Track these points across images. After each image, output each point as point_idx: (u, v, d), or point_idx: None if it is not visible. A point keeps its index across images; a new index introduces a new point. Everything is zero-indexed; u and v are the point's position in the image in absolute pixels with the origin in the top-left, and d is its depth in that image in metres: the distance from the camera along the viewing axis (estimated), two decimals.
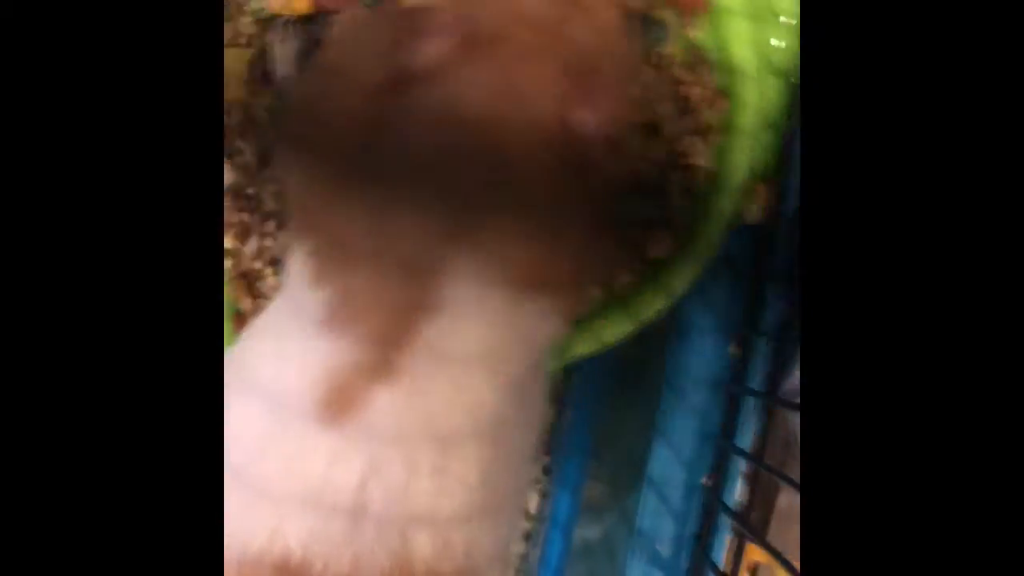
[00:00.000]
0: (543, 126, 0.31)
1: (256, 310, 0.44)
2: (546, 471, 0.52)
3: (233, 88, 0.44)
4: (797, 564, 0.34)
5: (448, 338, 0.30)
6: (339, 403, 0.30)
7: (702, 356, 0.50)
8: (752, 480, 0.49)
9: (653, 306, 0.44)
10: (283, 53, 0.44)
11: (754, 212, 0.48)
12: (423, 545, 0.30)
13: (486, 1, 0.33)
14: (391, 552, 0.30)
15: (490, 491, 0.32)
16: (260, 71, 0.44)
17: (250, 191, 0.44)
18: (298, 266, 0.33)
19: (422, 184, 0.31)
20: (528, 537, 0.52)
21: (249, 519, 0.30)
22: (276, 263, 0.44)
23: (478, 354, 0.31)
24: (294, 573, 0.29)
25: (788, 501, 0.50)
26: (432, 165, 0.31)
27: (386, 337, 0.30)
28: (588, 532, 0.52)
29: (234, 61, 0.44)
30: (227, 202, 0.45)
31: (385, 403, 0.30)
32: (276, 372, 0.32)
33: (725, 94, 0.45)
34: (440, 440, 0.30)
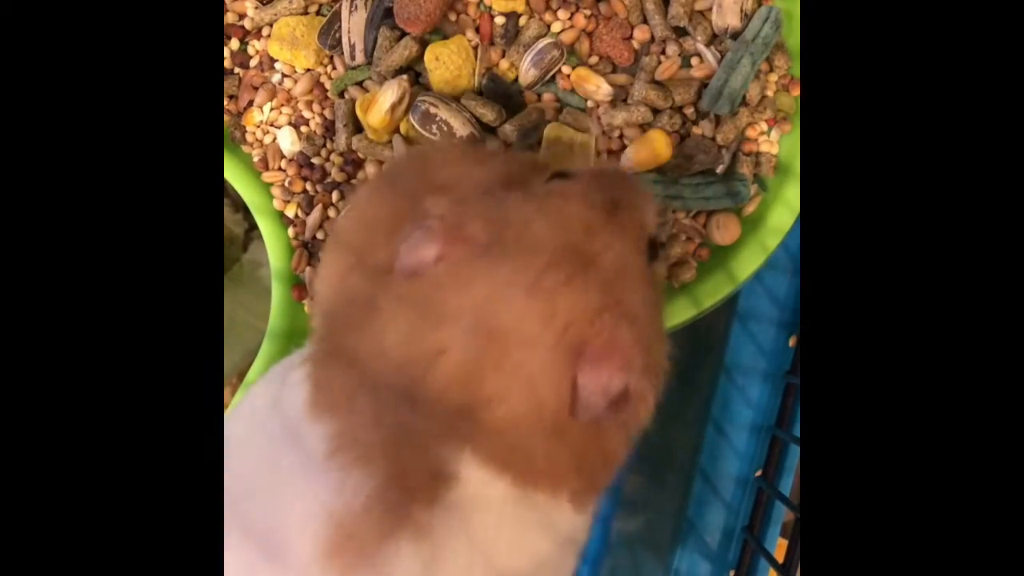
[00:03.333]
0: (539, 370, 0.29)
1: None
2: None
3: (303, 57, 0.44)
4: None
5: (465, 511, 0.28)
6: (347, 553, 0.26)
7: (761, 347, 0.49)
8: None
9: (717, 294, 0.43)
10: (353, 23, 0.43)
11: None
12: None
13: (489, 218, 0.30)
14: None
15: None
16: (330, 40, 0.43)
17: (315, 161, 0.44)
18: (300, 394, 0.30)
19: (415, 380, 0.29)
20: None
21: None
22: None
23: (491, 538, 0.29)
24: None
25: None
26: (419, 366, 0.29)
27: (404, 486, 0.27)
28: (630, 525, 0.52)
29: (306, 29, 0.44)
30: (291, 171, 0.44)
31: (408, 557, 0.27)
32: (271, 507, 0.28)
33: (798, 81, 0.45)
34: None
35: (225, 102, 0.45)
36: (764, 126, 0.44)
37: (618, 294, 0.30)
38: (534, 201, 0.31)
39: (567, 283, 0.29)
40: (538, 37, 0.43)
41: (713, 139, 0.43)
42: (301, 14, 0.44)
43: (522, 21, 0.43)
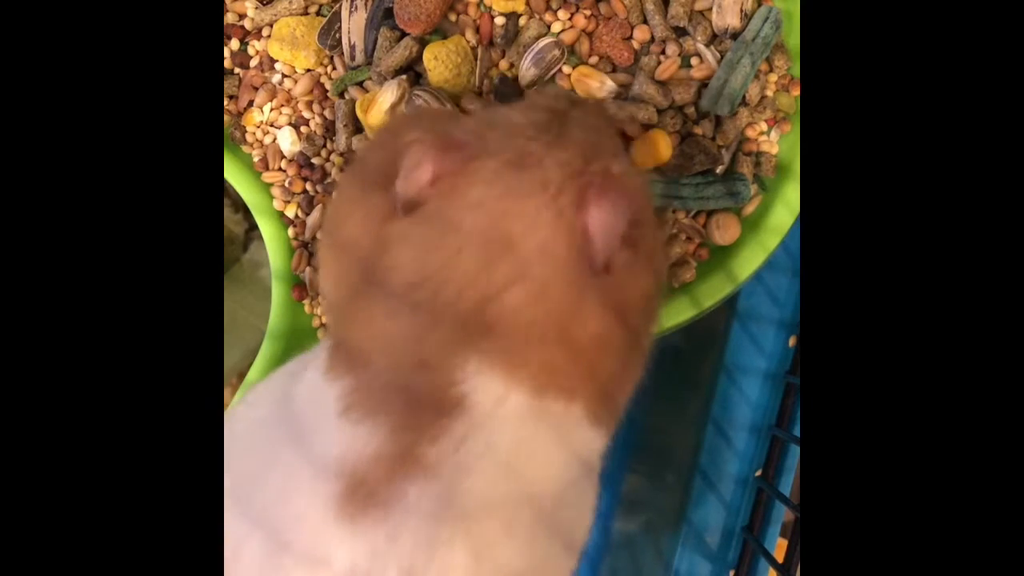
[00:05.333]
0: (548, 235, 0.29)
1: (316, 281, 0.44)
2: None
3: (303, 57, 0.44)
4: None
5: (475, 438, 0.28)
6: (361, 497, 0.27)
7: (761, 347, 0.49)
8: None
9: (717, 294, 0.43)
10: (353, 23, 0.43)
11: None
12: None
13: (463, 123, 0.32)
14: None
15: None
16: (330, 40, 0.43)
17: (315, 161, 0.44)
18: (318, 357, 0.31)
19: (430, 293, 0.29)
20: None
21: None
22: None
23: (507, 458, 0.28)
24: None
25: None
26: (435, 277, 0.29)
27: (411, 428, 0.28)
28: (630, 525, 0.52)
29: (306, 30, 0.44)
30: (291, 172, 0.45)
31: (415, 499, 0.27)
32: (284, 480, 0.28)
33: (798, 81, 0.45)
34: (474, 545, 0.27)
35: (225, 102, 0.45)
36: (764, 126, 0.44)
37: (597, 148, 0.32)
38: (498, 107, 0.34)
39: (549, 148, 0.30)
40: (538, 37, 0.43)
41: (713, 139, 0.43)
42: (301, 14, 0.44)
43: (522, 21, 0.43)
